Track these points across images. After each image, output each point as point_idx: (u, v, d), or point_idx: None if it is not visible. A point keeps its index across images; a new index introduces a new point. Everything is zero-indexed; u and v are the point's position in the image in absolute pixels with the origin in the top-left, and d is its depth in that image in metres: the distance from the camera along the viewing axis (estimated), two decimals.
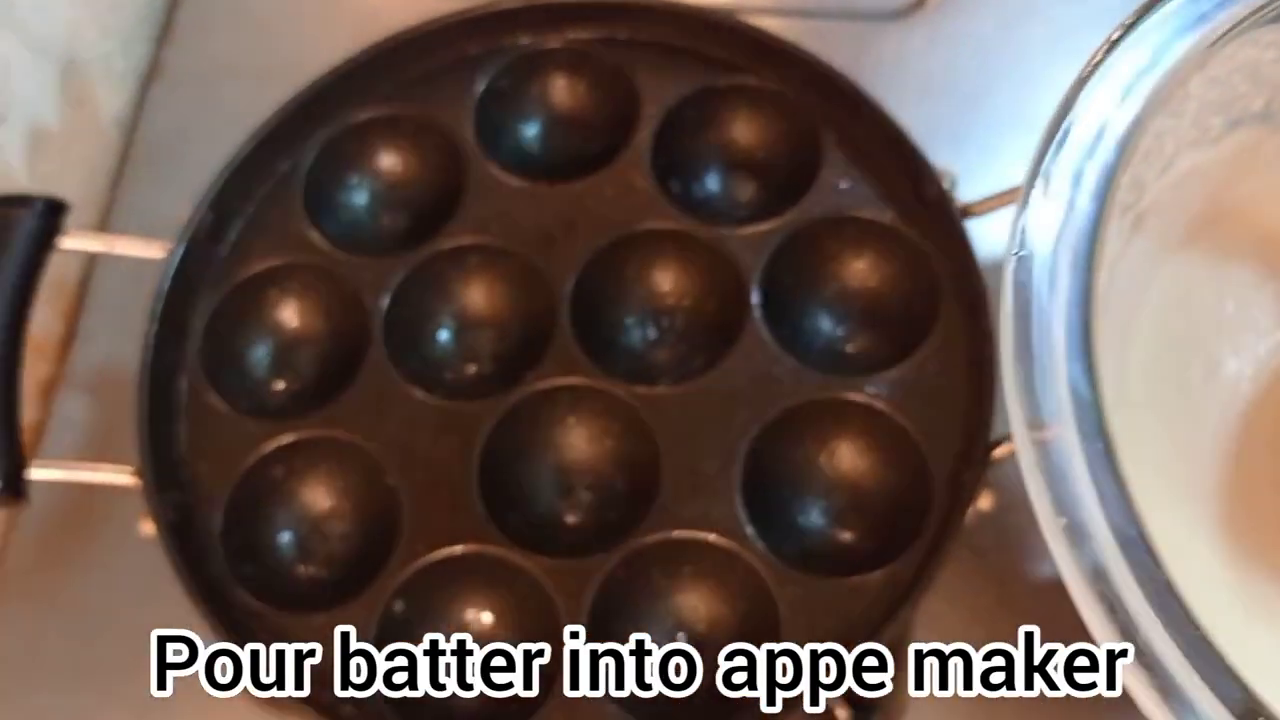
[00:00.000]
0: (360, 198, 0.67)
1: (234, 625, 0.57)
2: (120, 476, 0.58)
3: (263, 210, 0.65)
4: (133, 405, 0.59)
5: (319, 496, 0.61)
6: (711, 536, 0.57)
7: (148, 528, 0.58)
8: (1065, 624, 0.62)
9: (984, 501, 0.55)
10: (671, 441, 0.59)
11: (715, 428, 0.59)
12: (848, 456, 0.60)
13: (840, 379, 0.60)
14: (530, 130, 0.68)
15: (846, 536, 0.59)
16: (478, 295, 0.65)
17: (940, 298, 0.60)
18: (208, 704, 0.64)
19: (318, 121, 0.66)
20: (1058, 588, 0.63)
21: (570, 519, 0.61)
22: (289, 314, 0.65)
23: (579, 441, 0.62)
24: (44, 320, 0.71)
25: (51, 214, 0.60)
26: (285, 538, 0.61)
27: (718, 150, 0.66)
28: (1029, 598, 0.64)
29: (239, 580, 0.59)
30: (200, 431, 0.61)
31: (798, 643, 0.55)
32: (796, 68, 0.64)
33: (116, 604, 0.68)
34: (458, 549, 0.58)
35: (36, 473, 0.57)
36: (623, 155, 0.65)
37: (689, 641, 0.58)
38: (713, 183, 0.66)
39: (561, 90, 0.68)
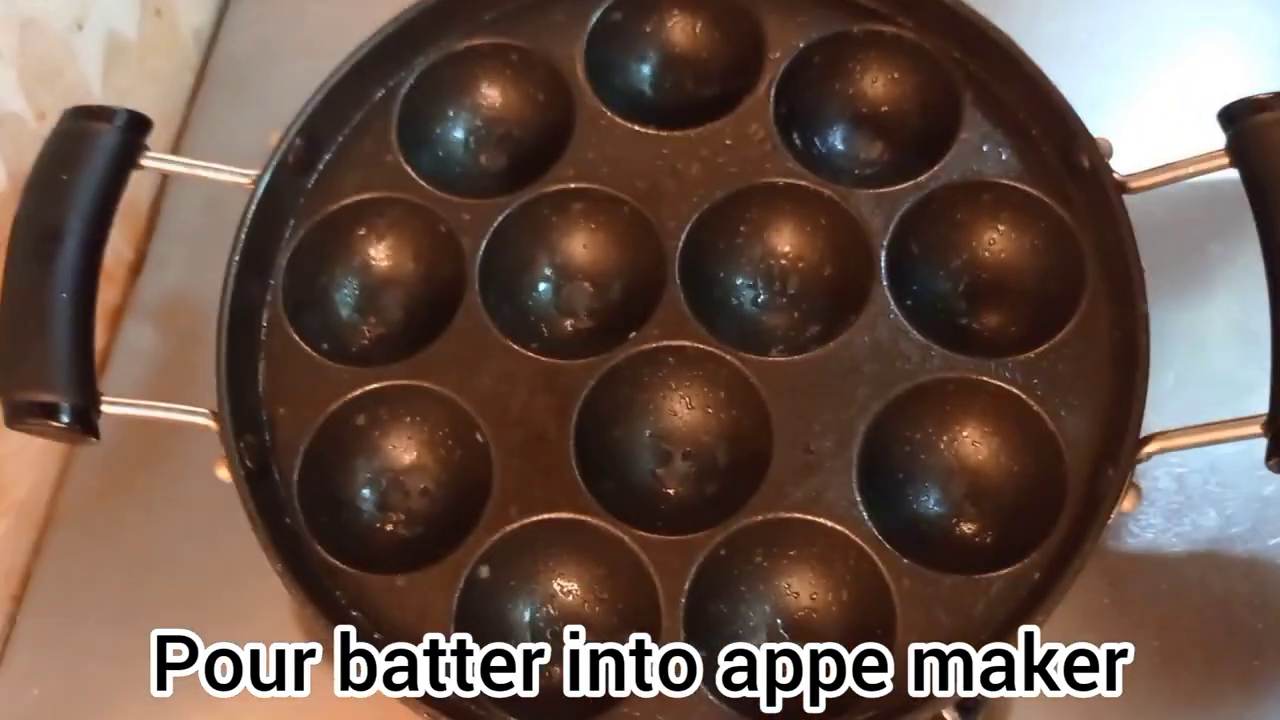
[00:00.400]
0: (459, 132, 0.63)
1: (310, 581, 0.53)
2: (197, 417, 0.55)
3: (354, 140, 0.61)
4: (213, 343, 0.56)
5: (404, 449, 0.58)
6: (825, 520, 0.53)
7: (223, 472, 0.54)
8: (1182, 633, 0.59)
9: (1127, 502, 0.51)
10: (784, 415, 0.55)
11: (832, 403, 0.55)
12: (976, 443, 0.56)
13: (971, 358, 0.55)
14: (644, 69, 0.64)
15: (970, 529, 0.55)
16: (580, 245, 0.61)
17: (1085, 277, 0.56)
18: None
19: (418, 47, 0.62)
20: (1178, 595, 0.60)
21: (670, 490, 0.57)
22: (379, 252, 0.61)
23: (681, 408, 0.58)
24: (112, 244, 0.67)
25: (135, 129, 0.56)
26: (366, 491, 0.58)
27: (847, 102, 0.62)
28: (1145, 604, 0.60)
29: (315, 533, 0.55)
30: (280, 374, 0.58)
31: (915, 639, 0.51)
32: (938, 16, 0.59)
33: (175, 544, 0.66)
34: (550, 515, 0.54)
35: (109, 409, 0.53)
36: (744, 102, 0.60)
37: (792, 629, 0.54)
38: (839, 137, 0.62)
39: (680, 27, 0.64)
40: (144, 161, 0.57)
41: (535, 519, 0.54)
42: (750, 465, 0.55)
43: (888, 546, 0.53)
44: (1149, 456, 0.51)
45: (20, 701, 0.63)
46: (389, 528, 0.57)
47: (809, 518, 0.54)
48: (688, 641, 0.52)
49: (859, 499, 0.54)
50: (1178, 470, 0.61)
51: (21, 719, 0.63)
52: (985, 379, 0.55)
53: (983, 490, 0.56)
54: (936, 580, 0.52)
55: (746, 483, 0.55)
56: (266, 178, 0.58)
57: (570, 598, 0.56)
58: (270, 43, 0.75)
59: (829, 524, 0.53)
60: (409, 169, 0.60)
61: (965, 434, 0.56)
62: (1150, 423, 0.52)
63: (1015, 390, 0.54)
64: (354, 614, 0.54)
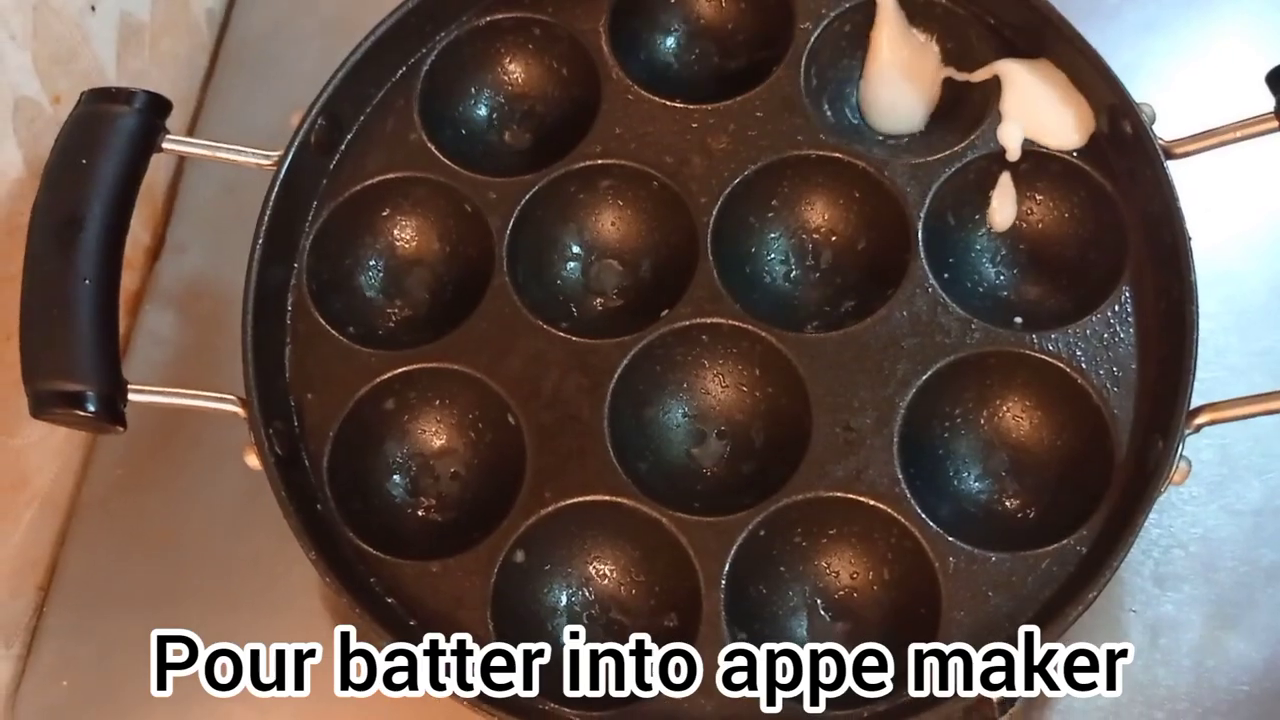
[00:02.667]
0: (483, 109, 0.62)
1: (343, 568, 0.53)
2: (225, 404, 0.54)
3: (377, 119, 0.60)
4: (237, 328, 0.55)
5: (434, 433, 0.57)
6: (867, 499, 0.53)
7: (252, 459, 0.53)
8: (1227, 606, 0.58)
9: (1177, 476, 0.50)
10: (822, 392, 0.54)
11: (870, 379, 0.54)
12: (1018, 417, 0.55)
13: (1013, 332, 0.54)
14: (670, 41, 0.62)
15: (1015, 505, 0.54)
16: (609, 222, 0.60)
17: (1128, 246, 0.55)
18: (304, 639, 0.61)
19: (440, 22, 0.60)
20: (1220, 568, 0.59)
21: (705, 470, 0.56)
22: (404, 233, 0.60)
23: (715, 387, 0.57)
24: (130, 228, 0.67)
25: (155, 111, 0.55)
26: (397, 476, 0.57)
27: None
28: (1187, 577, 0.59)
29: (347, 520, 0.55)
30: (307, 358, 0.57)
31: (961, 615, 0.51)
32: None
33: (202, 533, 0.65)
34: (585, 497, 0.54)
35: (135, 397, 0.52)
36: (773, 73, 0.59)
37: (834, 609, 0.54)
38: None
39: None
40: (164, 145, 0.56)
41: (570, 502, 0.54)
42: (788, 444, 0.55)
43: (931, 524, 0.52)
44: (1199, 428, 0.50)
45: (50, 692, 0.63)
46: (421, 513, 0.56)
47: (851, 496, 0.53)
48: (730, 623, 0.52)
49: (900, 476, 0.53)
50: (1221, 442, 0.60)
51: (51, 708, 0.63)
52: (1027, 352, 0.54)
53: (1027, 465, 0.55)
54: (983, 558, 0.52)
55: (784, 462, 0.54)
56: (289, 159, 0.57)
57: (607, 581, 0.55)
58: (283, 23, 0.74)
59: (871, 502, 0.53)
60: (433, 147, 0.59)
61: (1007, 409, 0.55)
62: (1196, 396, 0.52)
63: (1059, 363, 0.53)
64: (389, 600, 0.53)
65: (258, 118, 0.71)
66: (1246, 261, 0.63)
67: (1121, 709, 0.57)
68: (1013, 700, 0.57)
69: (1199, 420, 0.50)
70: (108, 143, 0.53)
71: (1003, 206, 0.57)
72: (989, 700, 0.54)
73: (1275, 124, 0.51)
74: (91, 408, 0.51)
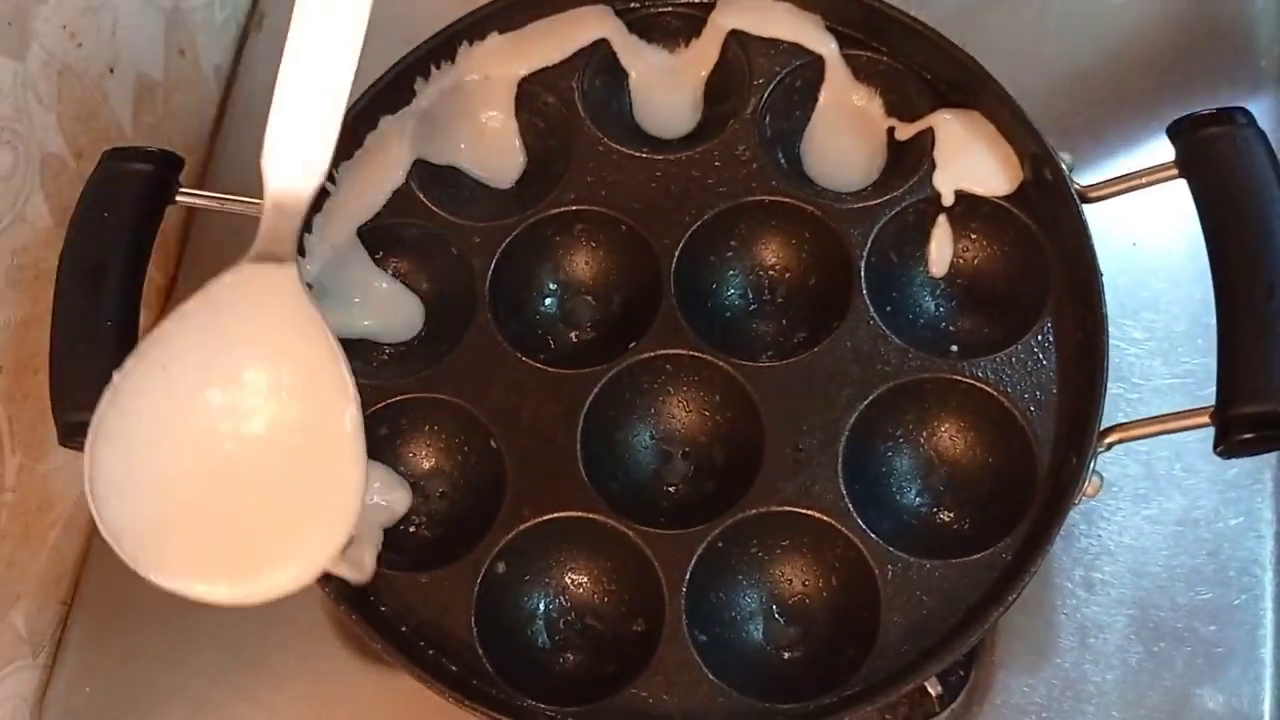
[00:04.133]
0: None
1: (341, 580, 0.58)
2: None
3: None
4: None
5: (424, 457, 0.62)
6: (813, 512, 0.58)
7: None
8: (1149, 609, 0.63)
9: (1090, 489, 0.55)
10: (774, 416, 0.59)
11: (818, 404, 0.59)
12: (953, 437, 0.60)
13: (946, 360, 0.60)
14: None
15: (949, 517, 0.59)
16: (583, 262, 0.65)
17: (1050, 282, 0.60)
18: (308, 647, 0.66)
19: (426, 78, 0.66)
20: (1144, 574, 0.64)
21: (671, 489, 0.61)
22: (396, 274, 0.65)
23: (680, 412, 0.62)
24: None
25: (168, 167, 0.60)
26: None
27: None
28: (1114, 583, 0.64)
29: None
30: None
31: (898, 619, 0.56)
32: (910, 41, 0.63)
33: None
34: (560, 514, 0.59)
35: None
36: (730, 126, 0.64)
37: (787, 614, 0.59)
38: None
39: None
40: (178, 198, 0.61)
41: (546, 518, 0.59)
42: (745, 463, 0.60)
43: (872, 535, 0.57)
44: (1109, 447, 0.55)
45: (74, 698, 0.68)
46: (412, 529, 0.61)
47: (799, 510, 0.58)
48: (690, 627, 0.57)
49: (845, 492, 0.58)
50: (1144, 458, 0.66)
51: (75, 713, 0.68)
52: (959, 378, 0.59)
53: (961, 481, 0.60)
54: (918, 565, 0.57)
55: (741, 480, 0.59)
56: None
57: (581, 590, 0.60)
58: None
59: (818, 515, 0.58)
60: (421, 195, 0.65)
61: (943, 429, 0.60)
62: (1120, 415, 0.57)
63: (988, 388, 0.59)
64: (382, 609, 0.58)
65: None
66: (1169, 291, 0.69)
67: (1053, 703, 0.63)
68: (955, 695, 0.62)
69: (1109, 439, 0.55)
70: (126, 197, 0.58)
71: (940, 252, 0.62)
72: (929, 694, 0.60)
73: (1175, 172, 0.56)
74: None
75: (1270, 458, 0.65)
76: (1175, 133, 0.56)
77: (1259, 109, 0.56)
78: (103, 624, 0.69)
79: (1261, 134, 0.54)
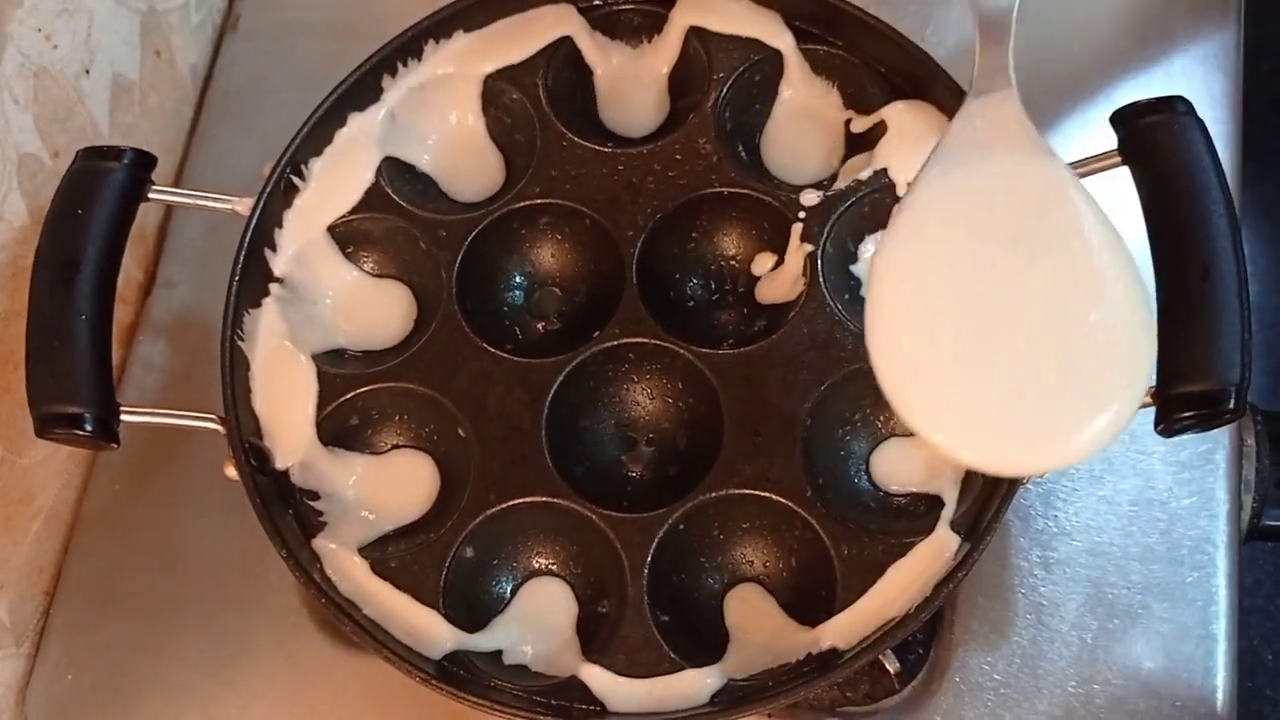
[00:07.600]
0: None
1: (309, 566, 0.59)
2: (206, 423, 0.60)
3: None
4: (217, 357, 0.61)
5: (394, 445, 0.64)
6: (772, 495, 0.59)
7: (231, 471, 0.60)
8: (1102, 586, 0.65)
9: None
10: (733, 401, 0.61)
11: (777, 390, 0.61)
12: None
13: None
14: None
15: (905, 500, 0.61)
16: (549, 254, 0.66)
17: None
18: (284, 633, 0.68)
19: (394, 74, 0.67)
20: (1099, 553, 0.65)
21: (634, 473, 0.63)
22: (365, 267, 0.66)
23: (643, 399, 0.64)
24: (124, 268, 0.72)
25: (141, 166, 0.62)
26: None
27: None
28: (1070, 563, 0.66)
29: (315, 524, 0.61)
30: None
31: (854, 598, 0.57)
32: (866, 35, 0.65)
33: (191, 538, 0.71)
34: (526, 499, 0.60)
35: (127, 418, 0.59)
36: (691, 119, 0.66)
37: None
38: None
39: None
40: (150, 195, 0.62)
41: (513, 503, 0.60)
42: (706, 447, 0.61)
43: (828, 517, 0.59)
44: None
45: (57, 685, 0.69)
46: None
47: (758, 493, 0.59)
48: (652, 607, 0.58)
49: (803, 475, 0.59)
50: None
51: (57, 701, 0.69)
52: None
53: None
54: (872, 545, 0.58)
55: (702, 463, 0.61)
56: (259, 206, 0.64)
57: (547, 573, 0.62)
58: (261, 77, 0.81)
59: (775, 498, 0.59)
60: (389, 191, 0.66)
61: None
62: None
63: None
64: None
65: (238, 163, 0.77)
66: None
67: (1011, 680, 0.64)
68: (915, 673, 0.64)
69: None
70: (100, 195, 0.60)
71: None
72: (888, 672, 0.61)
73: (1119, 159, 0.57)
74: (88, 428, 0.57)
75: (1223, 438, 0.67)
76: (1118, 120, 0.57)
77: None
78: (84, 614, 0.71)
79: (1199, 121, 0.55)
